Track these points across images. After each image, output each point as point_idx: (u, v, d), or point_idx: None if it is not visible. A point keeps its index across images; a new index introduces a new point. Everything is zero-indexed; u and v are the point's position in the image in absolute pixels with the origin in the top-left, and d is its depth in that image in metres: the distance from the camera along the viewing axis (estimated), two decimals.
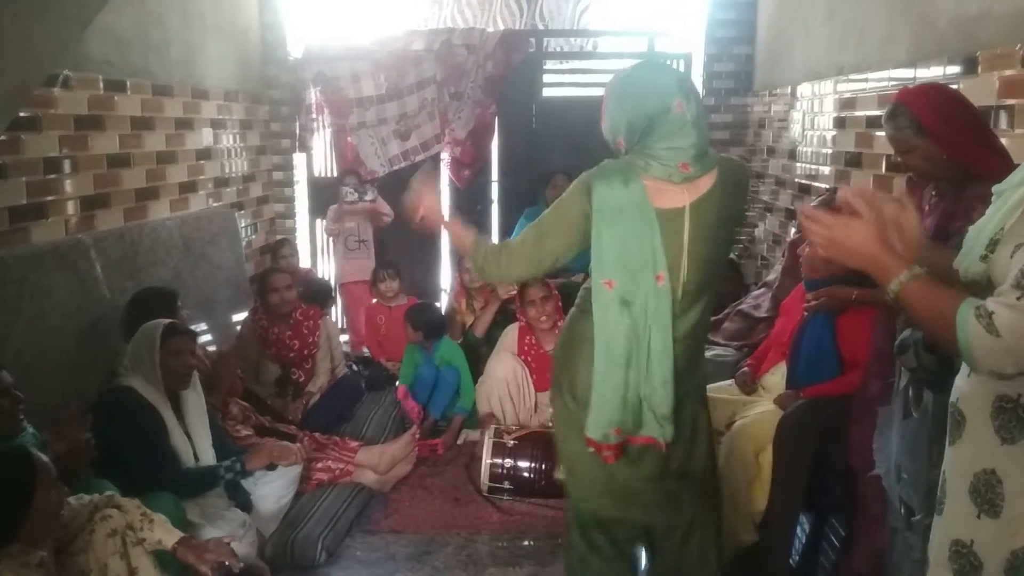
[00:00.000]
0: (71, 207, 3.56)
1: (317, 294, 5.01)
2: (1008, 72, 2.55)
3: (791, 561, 2.98)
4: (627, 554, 2.44)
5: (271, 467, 3.20)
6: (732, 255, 5.21)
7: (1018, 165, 1.96)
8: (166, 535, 2.33)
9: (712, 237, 2.14)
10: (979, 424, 1.44)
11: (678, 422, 2.23)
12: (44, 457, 2.08)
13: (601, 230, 2.10)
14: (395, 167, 5.94)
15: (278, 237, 5.95)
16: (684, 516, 2.37)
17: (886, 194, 1.59)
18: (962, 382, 1.50)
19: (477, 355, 4.52)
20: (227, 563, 2.36)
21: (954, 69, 2.87)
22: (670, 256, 2.09)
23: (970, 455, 1.46)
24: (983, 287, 1.45)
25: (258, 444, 3.30)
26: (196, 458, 3.03)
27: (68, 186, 3.53)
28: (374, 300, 5.09)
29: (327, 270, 6.32)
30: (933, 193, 2.42)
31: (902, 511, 2.22)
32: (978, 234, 1.45)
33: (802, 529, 3.07)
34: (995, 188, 1.48)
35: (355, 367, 4.81)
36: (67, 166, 3.53)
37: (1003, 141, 2.38)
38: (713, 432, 2.50)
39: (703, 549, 2.41)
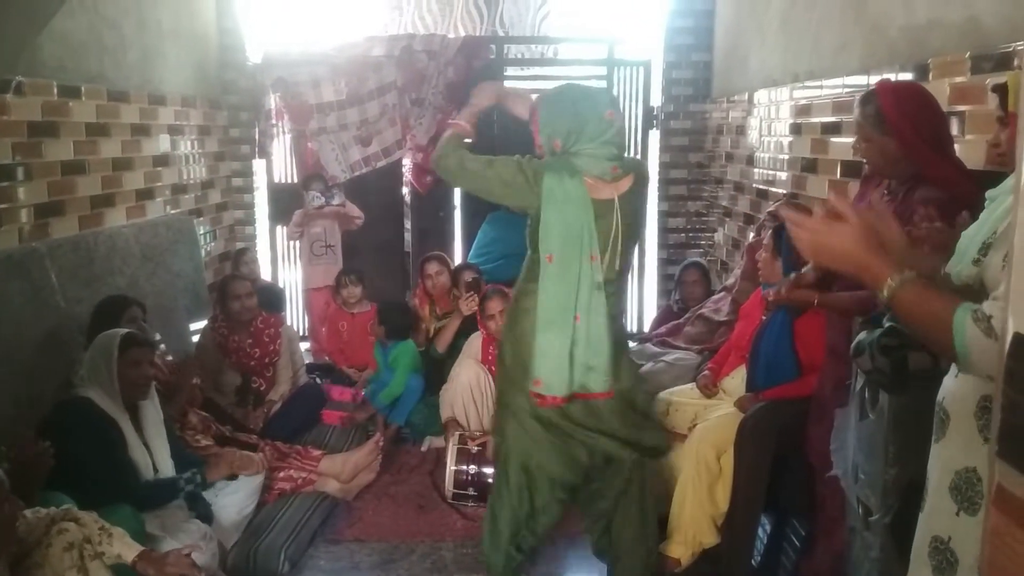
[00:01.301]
0: (25, 215, 3.49)
1: (268, 301, 4.96)
2: (958, 79, 2.61)
3: (753, 561, 3.01)
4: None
5: (232, 477, 3.17)
6: (701, 259, 5.26)
7: (970, 175, 2.02)
8: (125, 549, 2.29)
9: (634, 224, 2.63)
10: (963, 423, 1.45)
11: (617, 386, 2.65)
12: None
13: (550, 213, 2.50)
14: (356, 173, 5.91)
15: (240, 245, 5.90)
16: (618, 479, 2.76)
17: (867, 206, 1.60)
18: (949, 382, 1.51)
19: (441, 368, 4.48)
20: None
21: (906, 76, 2.94)
22: (603, 240, 2.53)
23: (953, 453, 1.47)
24: (975, 291, 1.46)
25: (218, 454, 3.26)
26: (155, 469, 2.98)
27: (21, 194, 3.47)
28: (338, 306, 5.06)
29: (288, 277, 6.28)
30: (885, 192, 2.48)
31: (860, 511, 2.26)
32: (971, 239, 1.46)
33: (763, 530, 3.11)
34: (988, 193, 1.50)
35: (316, 378, 4.77)
36: (20, 173, 3.46)
37: (954, 146, 2.45)
38: (647, 410, 2.85)
39: (642, 516, 2.79)
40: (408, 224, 6.27)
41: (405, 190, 6.20)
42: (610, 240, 2.55)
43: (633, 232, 2.63)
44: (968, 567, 1.42)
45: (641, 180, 2.67)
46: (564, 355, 2.55)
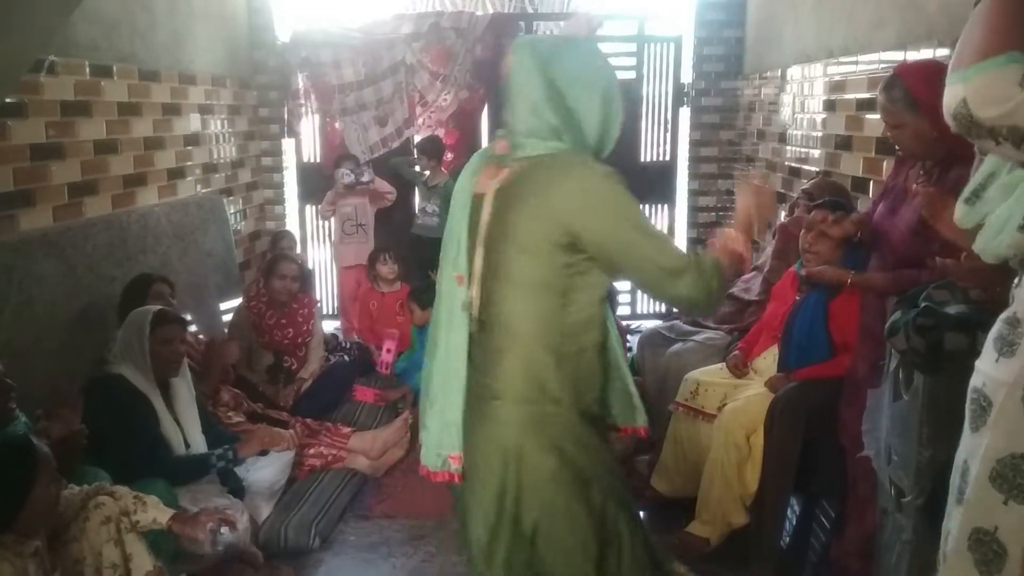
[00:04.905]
0: (58, 194, 3.53)
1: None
2: None
3: (782, 543, 3.00)
4: None
5: (263, 452, 3.20)
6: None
7: None
8: (159, 514, 2.34)
9: (510, 237, 1.72)
10: (1009, 409, 1.38)
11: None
12: (46, 448, 2.08)
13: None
14: (375, 154, 5.89)
15: (271, 225, 5.94)
16: None
17: None
18: (988, 367, 1.44)
19: None
20: (222, 530, 2.37)
21: (943, 52, 2.88)
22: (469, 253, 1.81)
23: (995, 441, 1.40)
24: (1015, 267, 1.41)
25: (250, 432, 3.30)
26: (187, 445, 3.02)
27: (55, 173, 3.50)
28: (371, 285, 5.09)
29: (318, 256, 6.33)
30: (921, 173, 2.44)
31: (892, 493, 2.24)
32: (1012, 209, 1.40)
33: (792, 511, 3.09)
34: None
35: (346, 355, 4.79)
36: (54, 152, 3.50)
37: None
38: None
39: None
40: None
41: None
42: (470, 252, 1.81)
43: (505, 247, 1.72)
44: (1018, 558, 1.36)
45: (541, 174, 1.70)
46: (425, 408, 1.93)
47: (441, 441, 1.84)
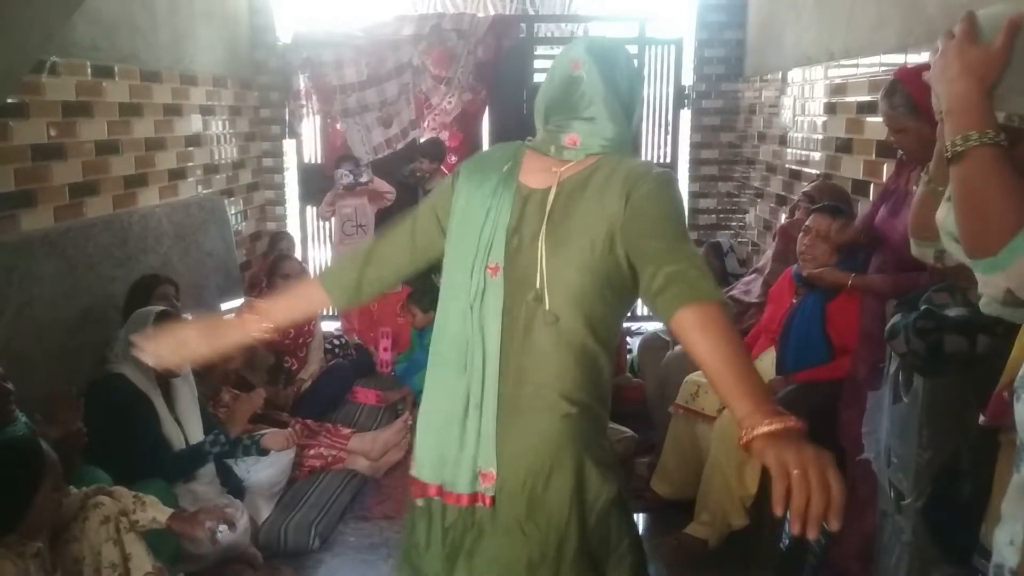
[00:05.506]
0: (59, 194, 3.54)
1: None
2: None
3: (781, 544, 3.00)
4: None
5: (263, 453, 3.21)
6: (719, 240, 5.13)
7: None
8: (158, 513, 2.35)
9: (570, 229, 1.56)
10: None
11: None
12: (53, 453, 2.09)
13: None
14: (379, 155, 5.90)
15: (278, 230, 5.95)
16: None
17: None
18: None
19: None
20: (221, 528, 2.38)
21: None
22: (511, 246, 1.61)
23: None
24: None
25: (230, 409, 3.32)
26: (187, 444, 3.02)
27: (56, 173, 3.50)
28: None
29: (318, 257, 6.33)
30: (923, 175, 2.43)
31: (892, 495, 2.24)
32: None
33: None
34: None
35: (341, 350, 4.79)
36: (55, 153, 3.50)
37: None
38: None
39: None
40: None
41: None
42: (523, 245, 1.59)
43: (565, 240, 1.54)
44: None
45: (613, 172, 1.58)
46: (452, 418, 1.58)
47: (477, 456, 1.54)
